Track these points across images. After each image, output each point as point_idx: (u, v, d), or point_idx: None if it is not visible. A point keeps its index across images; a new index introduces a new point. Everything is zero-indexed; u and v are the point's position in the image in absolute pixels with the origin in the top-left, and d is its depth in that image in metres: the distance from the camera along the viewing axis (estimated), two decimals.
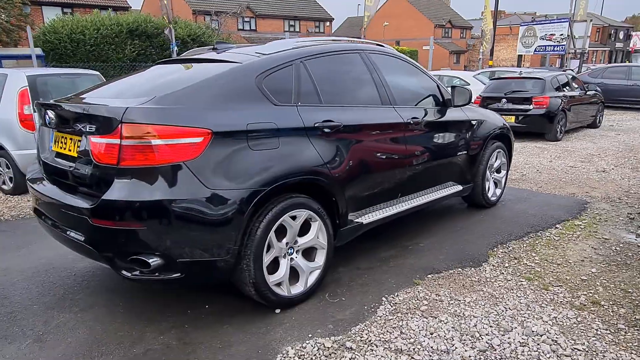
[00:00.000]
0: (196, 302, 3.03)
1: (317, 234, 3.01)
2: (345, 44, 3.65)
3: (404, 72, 3.99)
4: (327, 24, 42.47)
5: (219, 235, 2.52)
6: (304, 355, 2.48)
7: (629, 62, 40.39)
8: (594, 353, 2.47)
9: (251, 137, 2.65)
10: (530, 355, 2.45)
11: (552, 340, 2.58)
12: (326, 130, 3.04)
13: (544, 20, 21.87)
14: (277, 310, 2.91)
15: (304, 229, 2.97)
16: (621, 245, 4.03)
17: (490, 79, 11.02)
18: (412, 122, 3.72)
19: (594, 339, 2.61)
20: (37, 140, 3.19)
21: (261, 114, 2.76)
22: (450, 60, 44.32)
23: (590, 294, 3.14)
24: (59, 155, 2.83)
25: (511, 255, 3.79)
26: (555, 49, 18.67)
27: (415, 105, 3.98)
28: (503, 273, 3.45)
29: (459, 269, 3.52)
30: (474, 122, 4.55)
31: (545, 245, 4.01)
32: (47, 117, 2.78)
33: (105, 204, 2.37)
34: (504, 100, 9.50)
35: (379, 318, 2.83)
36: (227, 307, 2.97)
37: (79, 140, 2.64)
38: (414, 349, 2.52)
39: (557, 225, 4.52)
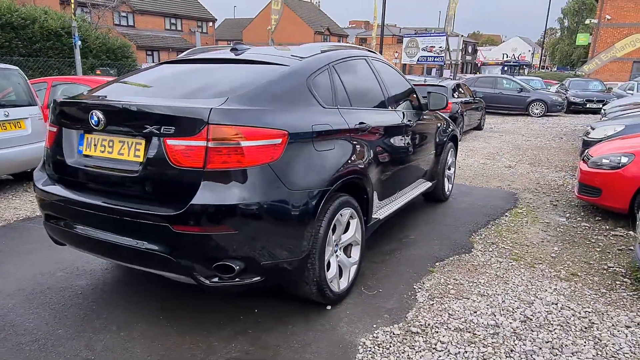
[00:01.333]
0: (241, 308, 2.97)
1: (356, 231, 3.16)
2: (354, 50, 3.84)
3: (393, 78, 4.31)
4: (210, 24, 41.40)
5: (298, 235, 2.55)
6: (381, 344, 2.63)
7: (479, 73, 46.40)
8: (601, 313, 3.03)
9: (315, 138, 2.71)
10: (560, 320, 2.92)
11: (567, 307, 3.10)
12: (361, 132, 3.21)
13: (425, 33, 24.37)
14: (328, 307, 3.00)
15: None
16: (561, 227, 4.84)
17: None
18: (408, 123, 4.06)
19: (593, 302, 3.19)
20: (51, 144, 2.82)
21: (317, 115, 2.83)
22: None
23: (566, 268, 3.77)
24: (100, 159, 2.58)
25: (488, 241, 4.34)
26: (435, 59, 20.94)
27: (403, 108, 4.33)
28: (492, 257, 3.96)
29: (457, 256, 3.94)
30: (439, 124, 5.06)
31: (508, 231, 4.65)
32: (95, 118, 2.50)
33: (193, 210, 2.26)
34: None
35: (422, 304, 3.09)
36: (274, 309, 2.96)
37: (138, 143, 2.45)
38: (469, 326, 2.83)
39: (506, 214, 5.24)
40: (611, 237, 4.53)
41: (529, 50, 68.14)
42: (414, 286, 3.35)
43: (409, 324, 2.84)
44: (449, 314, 2.97)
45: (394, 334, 2.73)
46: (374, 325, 2.82)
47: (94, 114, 2.49)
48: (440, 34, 17.70)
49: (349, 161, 2.99)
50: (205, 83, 2.79)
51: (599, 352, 2.58)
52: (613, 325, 2.88)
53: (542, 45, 48.86)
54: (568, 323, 2.89)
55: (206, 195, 2.28)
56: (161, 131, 2.34)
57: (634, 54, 23.53)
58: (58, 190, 2.70)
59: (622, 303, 3.18)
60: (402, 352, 2.55)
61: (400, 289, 3.30)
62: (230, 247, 2.34)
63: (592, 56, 28.78)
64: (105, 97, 2.77)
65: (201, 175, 2.30)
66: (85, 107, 2.60)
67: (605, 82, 20.75)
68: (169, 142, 2.33)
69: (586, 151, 5.55)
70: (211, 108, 2.31)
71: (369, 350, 2.57)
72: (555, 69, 53.14)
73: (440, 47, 20.15)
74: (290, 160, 2.52)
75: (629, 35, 26.58)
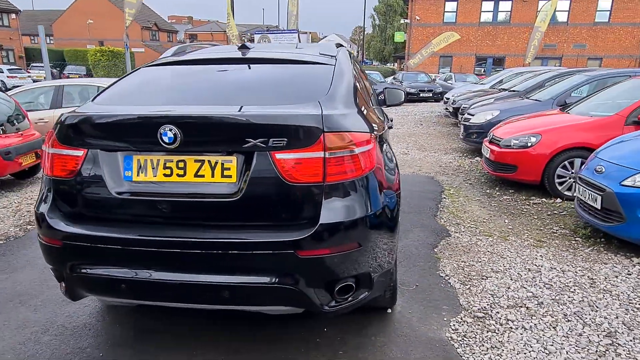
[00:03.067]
0: (303, 330, 2.72)
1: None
2: (344, 48, 3.75)
3: (365, 75, 4.34)
4: (13, 16, 34.87)
5: (396, 239, 2.45)
6: (465, 334, 2.71)
7: None
8: (588, 269, 3.60)
9: (378, 139, 2.62)
10: (570, 281, 3.38)
11: (563, 269, 3.59)
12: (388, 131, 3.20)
13: (277, 30, 24.44)
14: (389, 310, 2.95)
15: None
16: (492, 202, 5.53)
17: None
18: (388, 119, 4.16)
19: (575, 261, 3.76)
20: (71, 173, 2.14)
21: (372, 115, 2.74)
22: None
23: (530, 237, 4.35)
24: (168, 185, 2.07)
25: (453, 223, 4.72)
26: None
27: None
28: (470, 236, 4.33)
29: (444, 241, 4.21)
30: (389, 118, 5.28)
31: (458, 211, 5.13)
32: (168, 135, 1.97)
33: (323, 230, 2.00)
34: None
35: (461, 289, 3.25)
36: (335, 325, 2.79)
37: (228, 161, 2.04)
38: (518, 302, 3.08)
39: (443, 195, 5.76)
40: (534, 205, 5.36)
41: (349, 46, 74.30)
42: (439, 274, 3.49)
43: (471, 311, 2.97)
44: (490, 294, 3.19)
45: (467, 322, 2.83)
46: (445, 319, 2.88)
47: (166, 129, 1.99)
48: (292, 31, 18.14)
49: (394, 158, 2.97)
50: (267, 87, 2.45)
51: (615, 300, 3.08)
52: (605, 277, 3.45)
53: (360, 42, 53.73)
54: (578, 282, 3.36)
55: (332, 212, 2.04)
56: (269, 144, 1.99)
57: (444, 50, 27.58)
58: (101, 230, 2.09)
59: (593, 258, 3.82)
60: (490, 337, 2.67)
61: (431, 280, 3.41)
62: (353, 265, 2.13)
63: (407, 52, 32.87)
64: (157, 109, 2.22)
65: (322, 190, 2.04)
66: (146, 121, 2.06)
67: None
68: (279, 156, 2.00)
69: (491, 133, 6.41)
70: (323, 114, 2.06)
71: (462, 343, 2.62)
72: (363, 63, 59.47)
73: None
74: (380, 164, 2.39)
75: (435, 34, 31.13)
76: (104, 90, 2.54)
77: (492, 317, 2.89)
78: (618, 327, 2.76)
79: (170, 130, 1.99)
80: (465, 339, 2.66)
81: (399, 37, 34.45)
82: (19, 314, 2.93)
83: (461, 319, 2.87)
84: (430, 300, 3.10)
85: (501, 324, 2.80)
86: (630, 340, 2.62)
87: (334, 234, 2.03)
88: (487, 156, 6.16)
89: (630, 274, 3.49)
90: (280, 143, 2.00)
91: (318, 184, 2.03)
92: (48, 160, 2.22)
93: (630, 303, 3.06)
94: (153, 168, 2.10)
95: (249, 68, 2.68)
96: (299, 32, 18.57)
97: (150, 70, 2.72)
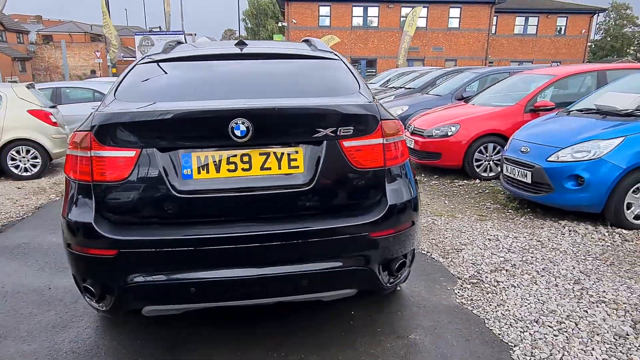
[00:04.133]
0: (335, 317, 2.81)
1: None
2: None
3: None
4: None
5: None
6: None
7: None
8: (532, 233, 4.22)
9: None
10: (525, 244, 3.95)
11: (515, 236, 4.17)
12: None
13: (160, 31, 22.82)
14: (398, 288, 3.17)
15: None
16: (425, 186, 6.08)
17: None
18: None
19: (518, 228, 4.37)
20: (123, 175, 1.95)
21: None
22: (14, 68, 38.12)
23: (473, 213, 4.92)
24: (232, 180, 2.02)
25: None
26: None
27: None
28: (425, 217, 4.76)
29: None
30: None
31: None
32: (241, 129, 1.92)
33: (392, 211, 2.14)
34: None
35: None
36: (363, 308, 2.93)
37: (294, 152, 2.06)
38: (518, 270, 3.53)
39: None
40: (460, 187, 6.03)
41: None
42: (420, 252, 3.81)
43: (464, 279, 3.32)
44: (471, 263, 3.59)
45: (468, 288, 3.17)
46: (448, 289, 3.18)
47: (239, 122, 1.94)
48: (177, 32, 17.25)
49: None
50: (298, 80, 2.48)
51: (566, 255, 3.69)
52: (549, 239, 4.09)
53: None
54: (531, 245, 3.94)
55: (395, 193, 2.19)
56: (338, 133, 2.07)
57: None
58: (164, 233, 1.95)
59: (530, 224, 4.49)
60: (493, 298, 3.02)
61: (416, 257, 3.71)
62: (407, 243, 2.30)
63: None
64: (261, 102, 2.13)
65: (384, 173, 2.18)
66: (216, 115, 1.98)
67: None
68: (347, 144, 2.09)
69: (411, 125, 7.01)
70: (376, 104, 2.20)
71: (474, 305, 2.94)
72: None
73: None
74: None
75: (312, 37, 32.22)
76: (116, 88, 2.34)
77: (484, 282, 3.27)
78: (579, 275, 3.33)
79: (243, 123, 1.95)
80: (474, 302, 2.99)
81: (277, 39, 35.08)
82: (8, 349, 2.54)
83: (461, 286, 3.21)
84: (426, 274, 3.39)
85: (494, 286, 3.20)
86: (593, 284, 3.20)
87: (398, 214, 2.18)
88: (412, 147, 6.72)
89: (564, 234, 4.19)
90: (348, 131, 2.09)
91: (381, 169, 2.17)
92: (84, 164, 2.00)
93: (576, 255, 3.69)
94: (215, 164, 2.03)
95: (267, 63, 2.67)
96: (185, 34, 17.86)
97: (165, 66, 2.56)
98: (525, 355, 2.41)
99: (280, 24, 33.71)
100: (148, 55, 2.74)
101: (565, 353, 2.41)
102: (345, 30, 32.28)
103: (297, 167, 2.08)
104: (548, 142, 4.61)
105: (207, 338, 2.60)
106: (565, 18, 36.05)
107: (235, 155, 2.04)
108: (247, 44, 2.92)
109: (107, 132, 1.98)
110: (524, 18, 35.88)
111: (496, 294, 3.08)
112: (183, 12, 18.25)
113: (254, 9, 60.13)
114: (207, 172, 2.03)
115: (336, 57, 2.80)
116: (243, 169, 2.04)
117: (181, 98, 2.17)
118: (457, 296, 3.07)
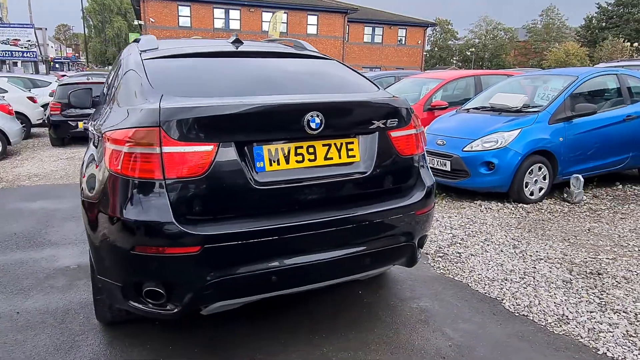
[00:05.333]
0: (347, 297, 3.03)
1: None
2: None
3: None
4: None
5: None
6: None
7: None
8: (460, 213, 4.93)
9: None
10: (460, 221, 4.62)
11: (449, 216, 4.83)
12: None
13: (4, 24, 19.02)
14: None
15: None
16: None
17: (60, 85, 10.08)
18: None
19: (447, 209, 5.06)
20: (201, 170, 1.90)
21: None
22: None
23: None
24: (299, 171, 2.14)
25: None
26: (26, 54, 17.15)
27: None
28: None
29: None
30: None
31: None
32: (316, 121, 2.03)
33: (429, 191, 2.47)
34: None
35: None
36: (362, 287, 3.20)
37: (350, 142, 2.26)
38: (439, 238, 4.09)
39: None
40: None
41: (51, 45, 65.12)
42: None
43: (432, 254, 3.80)
44: (430, 240, 4.10)
45: (439, 261, 3.65)
46: (424, 263, 3.62)
47: (314, 115, 2.05)
48: (26, 26, 14.95)
49: None
50: (322, 77, 2.64)
51: (494, 228, 4.44)
52: (475, 215, 4.84)
53: (69, 41, 48.01)
54: (465, 221, 4.63)
55: (427, 176, 2.53)
56: (387, 125, 2.31)
57: None
58: (245, 225, 1.98)
59: (454, 205, 5.22)
60: (463, 266, 3.55)
61: None
62: (430, 221, 2.64)
63: None
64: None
65: (418, 159, 2.49)
66: (293, 109, 2.07)
67: None
68: (394, 134, 2.35)
69: None
70: (404, 99, 2.49)
71: (451, 273, 3.42)
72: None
73: (29, 40, 16.81)
74: None
75: (173, 37, 30.98)
76: (147, 83, 2.24)
77: (449, 255, 3.79)
78: (513, 242, 4.07)
79: (318, 116, 2.08)
80: (450, 271, 3.48)
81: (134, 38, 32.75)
82: None
83: (433, 260, 3.68)
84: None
85: (458, 257, 3.74)
86: (526, 247, 3.94)
87: (431, 194, 2.51)
88: None
89: (483, 211, 4.99)
90: (394, 123, 2.35)
91: (416, 155, 2.48)
92: (150, 160, 1.91)
93: (502, 227, 4.46)
94: (285, 156, 2.11)
95: (280, 61, 2.78)
96: (35, 28, 15.75)
97: (185, 62, 2.51)
98: (513, 305, 2.94)
99: (136, 22, 31.46)
100: (148, 51, 2.63)
101: (542, 299, 3.01)
102: (207, 32, 31.62)
103: (354, 156, 2.28)
104: (461, 135, 5.41)
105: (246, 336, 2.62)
106: (405, 30, 40.47)
107: (302, 147, 2.15)
108: (243, 43, 2.98)
109: (180, 127, 1.93)
110: (371, 28, 39.34)
111: (463, 263, 3.62)
112: (30, 3, 15.94)
113: (96, 4, 55.13)
114: (278, 163, 2.10)
115: (331, 57, 3.03)
116: (309, 160, 2.17)
117: (234, 93, 2.19)
118: (435, 268, 3.53)
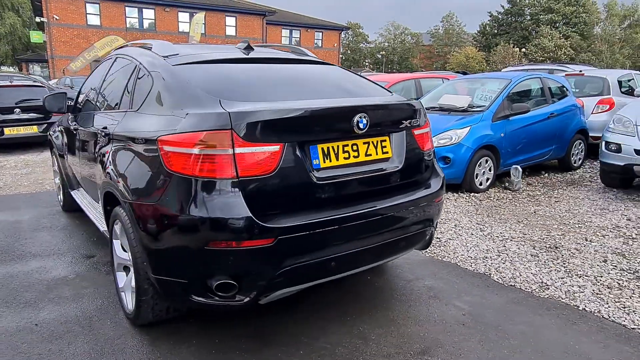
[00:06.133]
0: (357, 283, 3.31)
1: None
2: None
3: None
4: None
5: None
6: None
7: None
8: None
9: None
10: (451, 211, 5.08)
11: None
12: None
13: None
14: None
15: None
16: None
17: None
18: None
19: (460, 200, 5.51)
20: (271, 168, 2.06)
21: None
22: None
23: None
24: (345, 167, 2.39)
25: None
26: None
27: None
28: None
29: None
30: None
31: None
32: (363, 122, 2.28)
33: (444, 181, 2.84)
34: (17, 110, 8.69)
35: None
36: (372, 274, 3.50)
37: (383, 140, 2.55)
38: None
39: None
40: None
41: None
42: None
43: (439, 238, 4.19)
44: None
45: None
46: None
47: (362, 117, 2.30)
48: None
49: None
50: (341, 81, 2.89)
51: (459, 215, 4.97)
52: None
53: None
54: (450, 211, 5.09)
55: (439, 168, 2.90)
56: (412, 124, 2.63)
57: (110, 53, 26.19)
58: (311, 216, 2.18)
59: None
60: (447, 247, 3.99)
61: None
62: (442, 208, 3.01)
63: (50, 54, 29.38)
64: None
65: (432, 154, 2.84)
66: (344, 111, 2.30)
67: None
68: (417, 132, 2.68)
69: None
70: (420, 102, 2.84)
71: (440, 255, 3.84)
72: None
73: None
74: None
75: (80, 36, 29.14)
76: (200, 88, 2.35)
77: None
78: (479, 226, 4.60)
79: (365, 117, 2.34)
80: (438, 254, 3.89)
81: (36, 36, 30.00)
82: None
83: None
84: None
85: (440, 241, 4.17)
86: (491, 230, 4.49)
87: (444, 183, 2.88)
88: None
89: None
90: (417, 122, 2.68)
91: (431, 150, 2.83)
92: (223, 161, 2.05)
93: (464, 214, 5.00)
94: (335, 153, 2.34)
95: (302, 67, 3.00)
96: None
97: (218, 68, 2.63)
98: (500, 278, 3.41)
99: (39, 19, 28.99)
100: (171, 57, 2.71)
101: (520, 271, 3.52)
102: (120, 31, 29.95)
103: (387, 152, 2.56)
104: None
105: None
106: (322, 33, 41.43)
107: (347, 145, 2.40)
108: (254, 49, 3.15)
109: (250, 129, 2.09)
110: (289, 30, 39.75)
111: (445, 246, 4.06)
112: None
113: None
114: (330, 160, 2.33)
115: (330, 63, 3.31)
116: (354, 156, 2.42)
117: (281, 98, 2.38)
118: (423, 253, 3.92)
